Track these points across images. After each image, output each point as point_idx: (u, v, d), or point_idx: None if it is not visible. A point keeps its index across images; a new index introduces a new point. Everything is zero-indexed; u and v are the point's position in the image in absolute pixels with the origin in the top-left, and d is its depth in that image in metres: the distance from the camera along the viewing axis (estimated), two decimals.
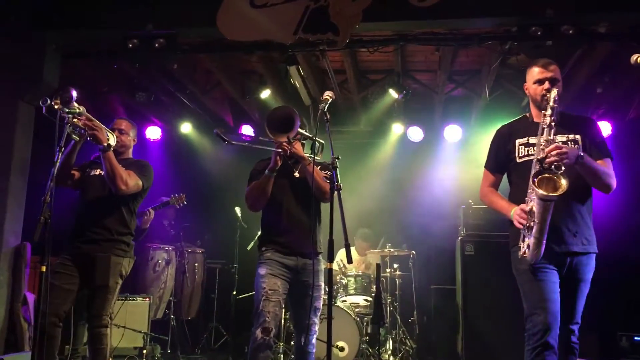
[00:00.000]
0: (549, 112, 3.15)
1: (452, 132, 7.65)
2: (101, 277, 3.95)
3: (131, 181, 4.03)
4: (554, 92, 3.19)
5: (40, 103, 3.56)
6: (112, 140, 4.01)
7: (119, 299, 5.54)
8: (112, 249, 4.03)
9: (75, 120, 3.75)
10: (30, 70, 5.07)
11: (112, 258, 4.00)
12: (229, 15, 4.76)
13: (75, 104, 3.71)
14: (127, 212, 4.16)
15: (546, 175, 3.01)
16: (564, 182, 2.95)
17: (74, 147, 3.95)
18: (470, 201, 6.68)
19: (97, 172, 4.15)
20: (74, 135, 3.83)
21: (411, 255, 6.71)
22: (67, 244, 4.06)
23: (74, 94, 3.66)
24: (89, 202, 4.11)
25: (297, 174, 3.76)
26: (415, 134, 7.76)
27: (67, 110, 3.63)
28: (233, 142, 3.74)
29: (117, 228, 4.08)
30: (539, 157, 3.07)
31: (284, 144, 3.56)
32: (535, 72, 3.34)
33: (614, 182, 3.24)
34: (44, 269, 3.31)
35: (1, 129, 5.09)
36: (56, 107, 3.57)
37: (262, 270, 3.67)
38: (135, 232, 5.82)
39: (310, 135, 3.73)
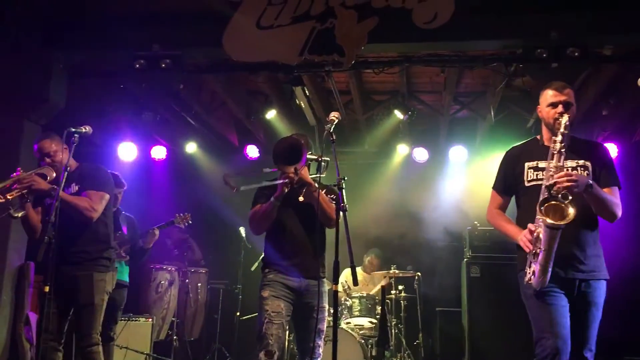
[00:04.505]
0: (559, 138, 3.09)
1: (457, 154, 7.64)
2: (85, 296, 3.86)
3: (95, 203, 3.89)
4: (565, 118, 3.13)
5: None
6: (51, 174, 3.91)
7: (121, 320, 5.50)
8: (94, 267, 3.93)
9: (9, 196, 3.69)
10: (37, 89, 5.09)
11: (94, 275, 3.91)
12: (235, 36, 4.79)
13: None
14: (102, 226, 4.04)
15: (553, 202, 2.95)
16: (571, 211, 2.89)
17: (27, 212, 3.87)
18: (475, 222, 6.65)
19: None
20: (16, 214, 3.79)
21: (416, 277, 6.63)
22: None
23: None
24: (61, 228, 3.81)
25: (301, 198, 3.71)
26: (421, 154, 7.74)
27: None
28: (242, 189, 3.65)
29: (96, 246, 3.98)
30: (547, 184, 3.03)
31: (291, 174, 3.49)
32: (548, 95, 3.28)
33: (619, 211, 3.20)
34: (47, 289, 3.29)
35: (6, 147, 5.11)
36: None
37: (265, 293, 3.64)
38: (138, 253, 5.76)
39: (316, 157, 3.71)
